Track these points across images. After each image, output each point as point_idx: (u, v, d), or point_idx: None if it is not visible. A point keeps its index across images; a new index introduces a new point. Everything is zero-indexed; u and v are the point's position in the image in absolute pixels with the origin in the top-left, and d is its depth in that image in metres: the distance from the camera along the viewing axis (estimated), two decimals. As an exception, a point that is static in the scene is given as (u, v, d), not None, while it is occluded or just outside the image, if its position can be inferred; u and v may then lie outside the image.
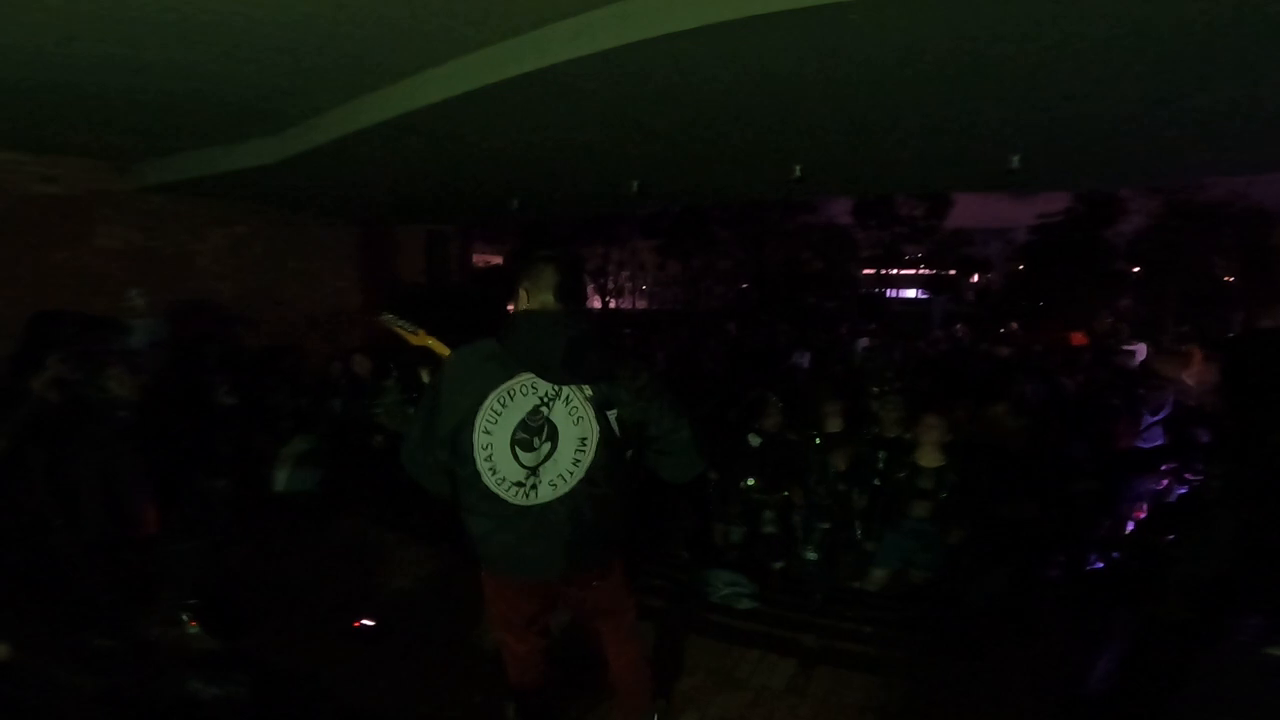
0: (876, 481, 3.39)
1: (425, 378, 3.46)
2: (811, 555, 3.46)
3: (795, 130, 3.93)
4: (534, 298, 1.87)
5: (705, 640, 2.90)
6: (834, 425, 3.72)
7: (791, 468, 3.67)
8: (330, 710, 2.51)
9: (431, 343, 2.41)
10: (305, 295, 6.11)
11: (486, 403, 1.80)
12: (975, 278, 26.60)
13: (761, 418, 3.76)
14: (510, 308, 2.11)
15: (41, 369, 2.99)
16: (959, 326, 10.88)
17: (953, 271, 26.20)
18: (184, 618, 2.71)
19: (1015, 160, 4.21)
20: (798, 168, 4.80)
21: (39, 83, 3.10)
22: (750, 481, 3.69)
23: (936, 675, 2.67)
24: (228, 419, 4.09)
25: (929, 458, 3.30)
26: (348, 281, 6.64)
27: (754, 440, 3.71)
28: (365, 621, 2.99)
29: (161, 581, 3.02)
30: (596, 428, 1.83)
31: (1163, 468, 3.54)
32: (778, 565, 3.53)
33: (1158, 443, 4.02)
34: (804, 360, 7.20)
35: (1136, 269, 19.88)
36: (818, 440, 3.68)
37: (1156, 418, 4.16)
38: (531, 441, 1.80)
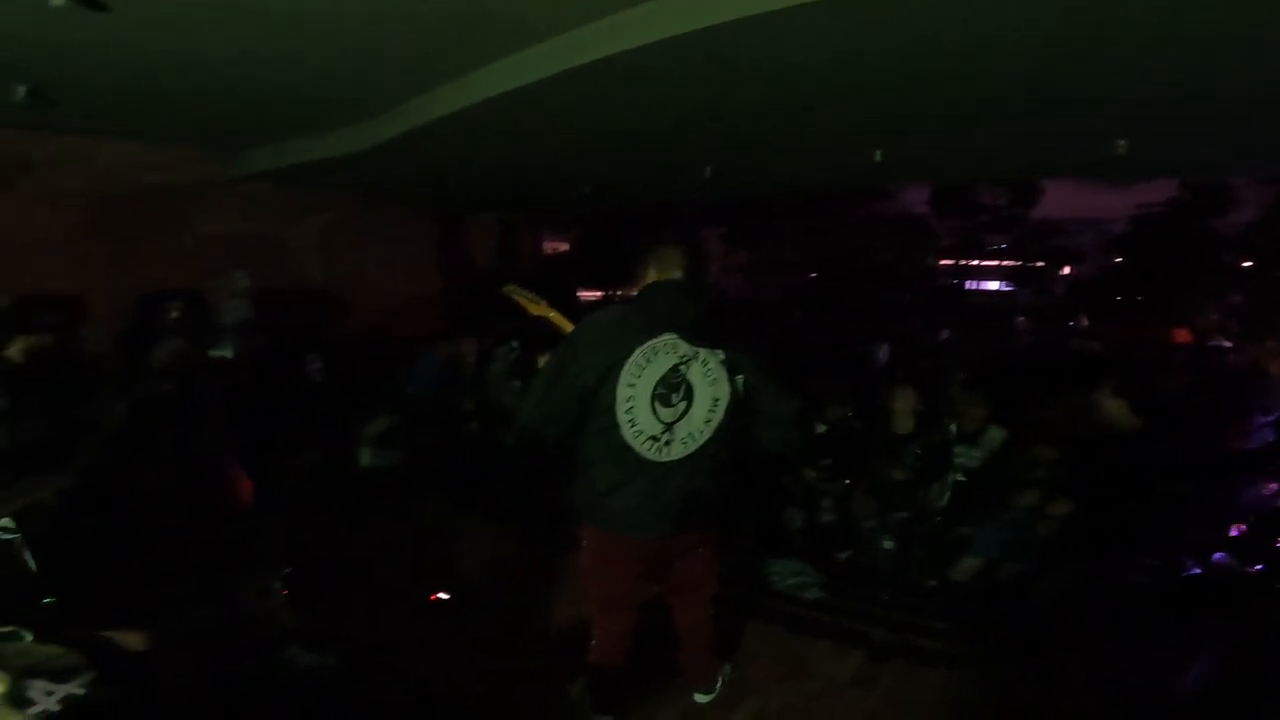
0: (960, 476, 3.30)
1: (542, 361, 3.60)
2: (888, 544, 3.38)
3: (881, 113, 3.79)
4: (662, 273, 1.98)
5: (770, 628, 2.89)
6: (907, 417, 3.62)
7: (856, 457, 3.60)
8: (407, 680, 2.63)
9: (552, 314, 2.50)
10: (387, 280, 6.43)
11: (632, 358, 1.88)
12: (1066, 270, 25.12)
13: (826, 406, 3.72)
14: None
15: (155, 345, 3.26)
16: (1053, 320, 10.35)
17: (1040, 263, 24.83)
18: (276, 588, 2.85)
19: (1122, 145, 3.96)
20: (878, 153, 4.65)
21: (157, 79, 3.35)
22: (812, 470, 3.65)
23: (1014, 674, 2.57)
24: (318, 396, 4.34)
25: (1038, 450, 3.22)
26: (425, 267, 6.93)
27: (819, 428, 3.68)
28: (440, 596, 3.12)
29: (254, 553, 3.22)
30: (728, 389, 1.95)
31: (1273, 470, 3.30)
32: (843, 555, 3.47)
33: (1267, 443, 3.73)
34: (882, 352, 7.06)
35: (1248, 263, 18.28)
36: (897, 431, 3.60)
37: (1268, 418, 3.87)
38: (670, 397, 1.90)
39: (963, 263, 27.01)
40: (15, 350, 2.66)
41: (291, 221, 5.63)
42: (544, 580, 3.31)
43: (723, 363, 1.95)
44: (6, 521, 2.21)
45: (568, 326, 2.26)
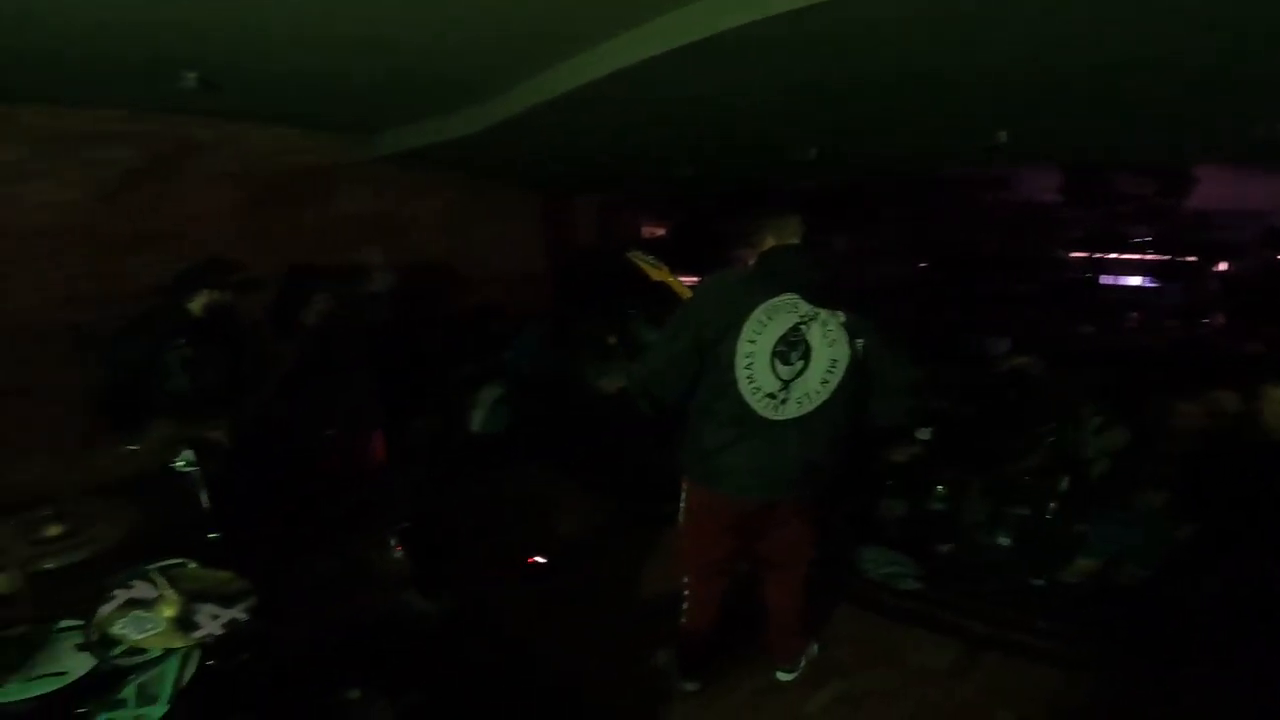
0: (1094, 473, 3.10)
1: (646, 335, 3.73)
2: (1004, 540, 3.23)
3: (1013, 90, 3.51)
4: (780, 240, 2.02)
5: (860, 612, 2.86)
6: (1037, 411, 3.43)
7: (970, 448, 3.44)
8: (504, 635, 2.77)
9: (672, 280, 2.54)
10: (499, 257, 6.74)
11: (753, 315, 1.92)
12: (1223, 265, 22.33)
13: (938, 396, 3.58)
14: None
15: (304, 310, 3.60)
16: (1206, 317, 9.33)
17: (1192, 258, 22.20)
18: (392, 542, 3.02)
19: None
20: (1003, 133, 4.34)
21: (302, 66, 3.66)
22: (918, 455, 3.54)
23: (1130, 678, 2.41)
24: (439, 363, 4.69)
25: (1172, 444, 3.04)
26: (533, 246, 7.21)
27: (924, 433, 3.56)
28: (537, 559, 3.28)
29: (377, 508, 3.49)
30: (847, 352, 1.96)
31: None
32: (945, 548, 3.34)
33: None
34: (1002, 345, 6.67)
35: None
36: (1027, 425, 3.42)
37: None
38: (789, 355, 1.92)
39: (1098, 255, 24.66)
40: (196, 304, 2.98)
41: (415, 200, 6.02)
42: (638, 551, 3.42)
43: (843, 325, 1.95)
44: (188, 455, 2.48)
45: (686, 292, 2.30)
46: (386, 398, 3.96)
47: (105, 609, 1.76)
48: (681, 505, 2.26)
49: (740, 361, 1.93)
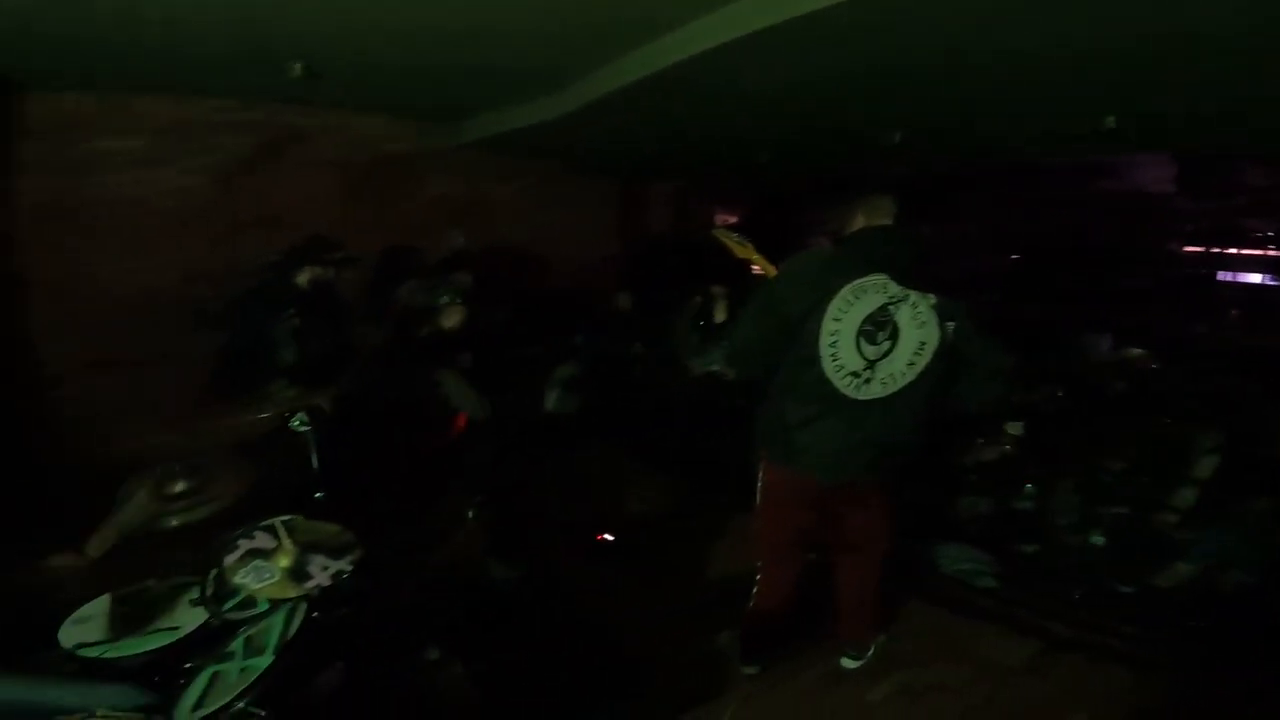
0: (1203, 476, 2.92)
1: (722, 311, 3.77)
2: (1098, 540, 3.09)
3: (1120, 70, 3.28)
4: (871, 221, 2.01)
5: (932, 607, 2.79)
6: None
7: (1063, 447, 3.29)
8: (571, 608, 2.85)
9: (757, 257, 2.54)
10: (576, 241, 6.89)
11: (840, 293, 1.91)
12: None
13: (1030, 391, 3.43)
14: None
15: (398, 288, 3.83)
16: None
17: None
18: (469, 514, 3.16)
19: None
20: (1111, 118, 4.06)
21: (394, 56, 3.83)
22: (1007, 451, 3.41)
23: (1227, 687, 2.28)
24: (516, 343, 4.87)
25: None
26: (608, 231, 7.33)
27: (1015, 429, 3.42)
28: (606, 537, 3.37)
29: (456, 480, 3.65)
30: (937, 335, 1.93)
31: None
32: (1029, 548, 3.22)
33: None
34: (1103, 343, 6.32)
35: None
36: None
37: None
38: (876, 335, 1.92)
39: (1215, 250, 22.60)
40: (302, 278, 3.22)
41: (497, 186, 6.24)
42: (704, 535, 3.45)
43: (934, 308, 1.92)
44: (303, 416, 2.66)
45: (771, 270, 2.30)
46: (469, 375, 4.15)
47: (229, 559, 1.91)
48: (758, 485, 2.26)
49: (824, 339, 1.92)
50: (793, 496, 2.17)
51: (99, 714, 1.57)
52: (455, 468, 3.70)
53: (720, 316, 3.94)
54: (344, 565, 1.91)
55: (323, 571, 1.88)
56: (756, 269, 2.56)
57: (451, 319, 3.56)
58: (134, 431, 4.35)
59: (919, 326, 1.92)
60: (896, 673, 2.45)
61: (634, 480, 4.08)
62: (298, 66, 3.79)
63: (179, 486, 2.08)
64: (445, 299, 3.84)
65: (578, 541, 3.37)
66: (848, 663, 2.48)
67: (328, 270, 3.27)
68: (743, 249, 2.62)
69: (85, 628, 1.95)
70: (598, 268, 7.02)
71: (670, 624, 2.77)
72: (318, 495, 2.66)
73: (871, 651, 2.49)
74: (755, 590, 2.39)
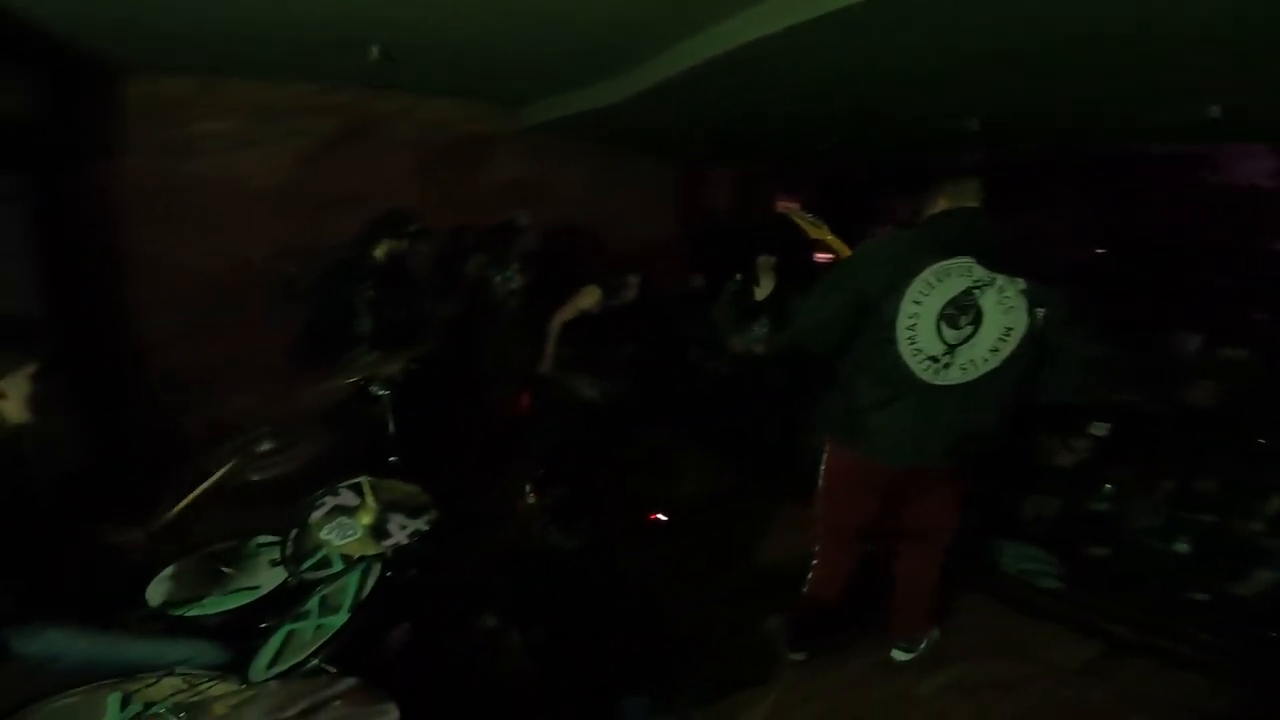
0: None
1: (764, 287, 3.76)
2: (1182, 547, 2.96)
3: (1229, 53, 3.02)
4: (955, 203, 1.96)
5: (990, 603, 2.75)
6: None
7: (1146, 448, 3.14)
8: (624, 584, 2.91)
9: (830, 238, 2.52)
10: (636, 224, 6.93)
11: (922, 275, 1.87)
12: None
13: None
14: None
15: (464, 264, 3.95)
16: None
17: None
18: (527, 488, 3.23)
19: None
20: (1216, 107, 3.77)
21: (464, 39, 3.91)
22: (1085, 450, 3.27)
23: None
24: (575, 322, 4.97)
25: None
26: (668, 215, 7.34)
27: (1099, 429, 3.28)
28: (659, 517, 3.42)
29: (517, 456, 3.76)
30: (1025, 321, 1.86)
31: None
32: (1098, 551, 3.09)
33: None
34: (1192, 342, 5.96)
35: None
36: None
37: None
38: (958, 319, 1.86)
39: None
40: (380, 251, 3.36)
41: (561, 168, 6.34)
42: (758, 519, 3.47)
43: (1023, 293, 1.85)
44: (383, 381, 2.78)
45: (846, 250, 2.27)
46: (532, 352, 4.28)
47: (315, 515, 2.00)
48: (821, 467, 2.23)
49: (902, 321, 1.88)
50: (858, 481, 2.12)
51: (177, 671, 1.60)
52: (519, 443, 3.83)
53: (762, 293, 3.91)
54: (421, 525, 1.96)
55: (401, 530, 1.92)
56: (821, 256, 2.54)
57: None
58: (221, 399, 4.69)
59: (1005, 312, 1.85)
60: (949, 667, 2.42)
61: (690, 462, 4.11)
62: (375, 50, 3.94)
63: (265, 446, 2.18)
64: (513, 273, 3.96)
65: (631, 520, 3.43)
66: (899, 655, 2.46)
67: (402, 243, 3.38)
68: (816, 229, 2.59)
69: (171, 585, 2.04)
70: (657, 250, 7.05)
71: (718, 606, 2.80)
72: (391, 460, 2.76)
73: (924, 645, 2.46)
74: (810, 576, 2.37)
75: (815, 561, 2.37)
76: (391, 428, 2.82)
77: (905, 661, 2.47)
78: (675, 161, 7.35)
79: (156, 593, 1.99)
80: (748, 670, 2.41)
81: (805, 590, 2.39)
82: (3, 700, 1.49)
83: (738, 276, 4.11)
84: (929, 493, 2.13)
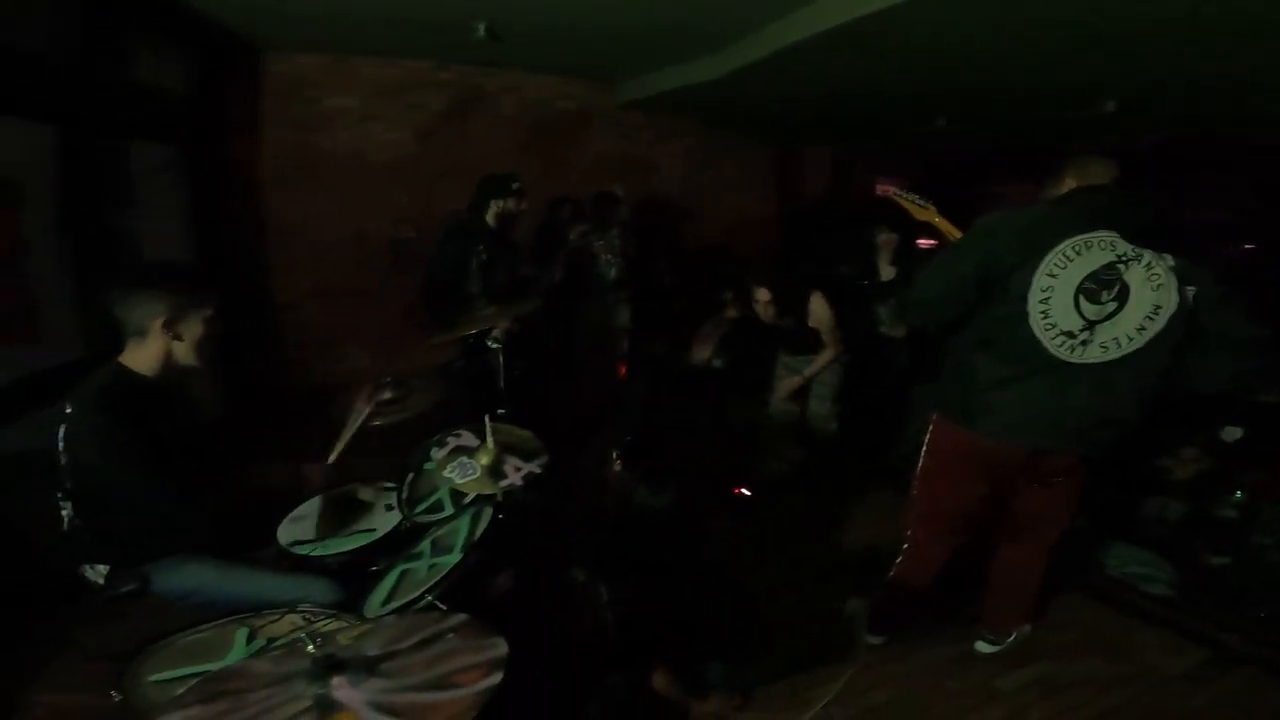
0: None
1: (886, 269, 3.68)
2: None
3: None
4: (1085, 182, 1.87)
5: (1091, 603, 2.61)
6: None
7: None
8: (709, 548, 2.95)
9: (938, 220, 2.40)
10: (730, 201, 6.91)
11: (1059, 247, 1.76)
12: None
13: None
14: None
15: (566, 233, 4.06)
16: None
17: None
18: (613, 455, 3.35)
19: None
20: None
21: (566, 20, 4.02)
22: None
23: None
24: (668, 295, 5.05)
25: None
26: (763, 193, 7.25)
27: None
28: (743, 491, 3.42)
29: (606, 423, 3.79)
30: (1175, 299, 1.73)
31: None
32: (1219, 560, 2.86)
33: None
34: None
35: None
36: None
37: None
38: (1099, 294, 1.75)
39: None
40: (490, 214, 3.51)
41: (657, 144, 6.39)
42: (846, 501, 3.43)
43: (1172, 269, 1.71)
44: (498, 335, 2.92)
45: (954, 232, 2.18)
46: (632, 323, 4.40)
47: (438, 454, 2.12)
48: (924, 447, 2.13)
49: (1035, 295, 1.76)
50: (967, 463, 2.01)
51: (300, 609, 1.67)
52: (612, 406, 3.93)
53: (889, 274, 3.75)
54: (534, 468, 2.02)
55: (515, 472, 1.98)
56: (924, 241, 2.45)
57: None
58: (338, 356, 5.11)
59: (1154, 289, 1.71)
60: (1035, 664, 2.33)
61: (778, 439, 4.08)
62: (481, 28, 4.11)
63: (387, 395, 2.32)
64: (613, 243, 4.06)
65: (716, 493, 3.46)
66: (984, 647, 2.37)
67: (509, 202, 3.53)
68: (923, 211, 2.47)
69: (299, 526, 2.11)
70: (751, 227, 7.00)
71: (799, 583, 2.79)
72: (500, 413, 2.87)
73: (1013, 639, 2.36)
74: (899, 560, 2.30)
75: (906, 546, 2.28)
76: (502, 381, 2.96)
77: (989, 654, 2.38)
78: (771, 140, 7.23)
79: (286, 532, 2.08)
80: (821, 649, 2.40)
81: (892, 574, 2.31)
82: (145, 632, 1.58)
83: (855, 256, 3.96)
84: (1046, 481, 1.99)
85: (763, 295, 3.33)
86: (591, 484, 3.17)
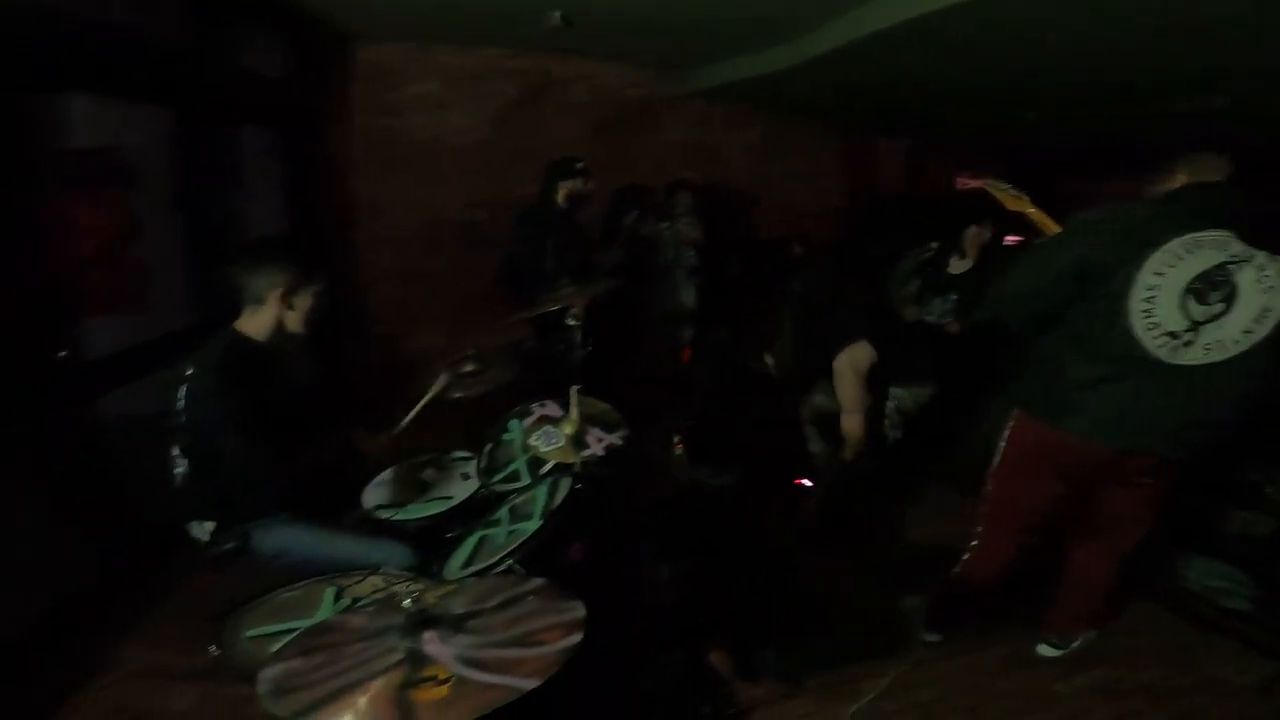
0: None
1: (964, 261, 3.62)
2: None
3: None
4: (1197, 178, 1.82)
5: (1161, 611, 2.54)
6: None
7: None
8: (767, 534, 2.94)
9: (1033, 211, 2.32)
10: (797, 192, 6.82)
11: (1167, 246, 1.73)
12: None
13: None
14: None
15: (629, 217, 4.22)
16: None
17: None
18: (674, 439, 3.30)
19: None
20: None
21: (638, 8, 4.05)
22: None
23: None
24: (734, 284, 5.08)
25: None
26: (831, 184, 7.12)
27: None
28: (804, 482, 3.42)
29: (668, 407, 3.85)
30: None
31: None
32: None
33: None
34: None
35: None
36: None
37: None
38: (1208, 295, 1.72)
39: None
40: (560, 195, 3.68)
41: (726, 133, 6.38)
42: (909, 497, 3.40)
43: None
44: (576, 313, 3.04)
45: (1050, 223, 2.13)
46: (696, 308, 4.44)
47: (526, 421, 2.21)
48: (1001, 444, 2.11)
49: (1138, 293, 1.73)
50: (1048, 461, 1.99)
51: (380, 572, 1.74)
52: (677, 392, 3.98)
53: (959, 267, 3.66)
54: (615, 439, 2.09)
55: (598, 443, 2.04)
56: (1009, 239, 2.37)
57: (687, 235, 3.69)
58: (414, 334, 5.35)
59: (1264, 291, 1.67)
60: (1098, 669, 2.29)
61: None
62: (556, 15, 4.19)
63: (468, 367, 2.46)
64: (678, 227, 4.11)
65: (772, 481, 3.47)
66: (1046, 650, 2.34)
67: (575, 182, 3.68)
68: (1016, 201, 2.38)
69: (381, 491, 2.21)
70: (820, 218, 6.91)
71: (854, 576, 2.79)
72: (575, 388, 3.02)
73: (1077, 643, 2.32)
74: (965, 557, 2.27)
75: (974, 542, 2.25)
76: (579, 357, 3.08)
77: (1051, 658, 2.34)
78: (842, 130, 7.09)
79: (370, 497, 2.20)
80: (875, 643, 2.40)
81: (956, 570, 2.28)
82: (237, 593, 1.68)
83: (933, 245, 3.85)
84: (1131, 484, 1.96)
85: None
86: (654, 466, 3.26)
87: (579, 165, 3.73)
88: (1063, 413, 1.90)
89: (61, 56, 2.50)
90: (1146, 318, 1.73)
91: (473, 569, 1.81)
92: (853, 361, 2.88)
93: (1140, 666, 2.29)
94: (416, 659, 1.12)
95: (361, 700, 1.03)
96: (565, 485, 2.00)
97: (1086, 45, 3.47)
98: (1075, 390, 1.86)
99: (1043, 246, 1.95)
